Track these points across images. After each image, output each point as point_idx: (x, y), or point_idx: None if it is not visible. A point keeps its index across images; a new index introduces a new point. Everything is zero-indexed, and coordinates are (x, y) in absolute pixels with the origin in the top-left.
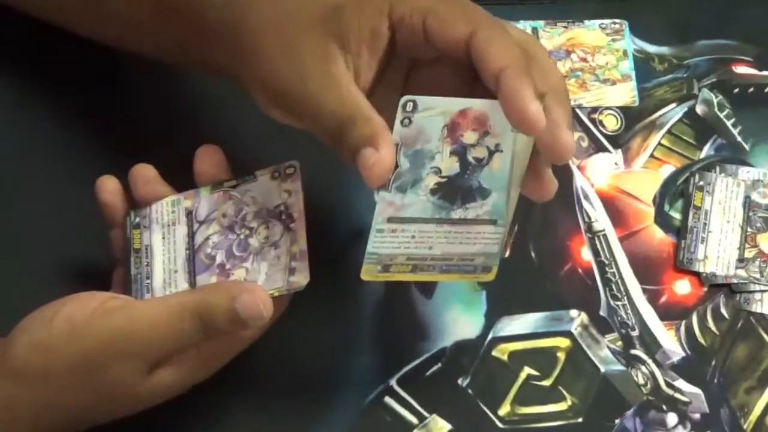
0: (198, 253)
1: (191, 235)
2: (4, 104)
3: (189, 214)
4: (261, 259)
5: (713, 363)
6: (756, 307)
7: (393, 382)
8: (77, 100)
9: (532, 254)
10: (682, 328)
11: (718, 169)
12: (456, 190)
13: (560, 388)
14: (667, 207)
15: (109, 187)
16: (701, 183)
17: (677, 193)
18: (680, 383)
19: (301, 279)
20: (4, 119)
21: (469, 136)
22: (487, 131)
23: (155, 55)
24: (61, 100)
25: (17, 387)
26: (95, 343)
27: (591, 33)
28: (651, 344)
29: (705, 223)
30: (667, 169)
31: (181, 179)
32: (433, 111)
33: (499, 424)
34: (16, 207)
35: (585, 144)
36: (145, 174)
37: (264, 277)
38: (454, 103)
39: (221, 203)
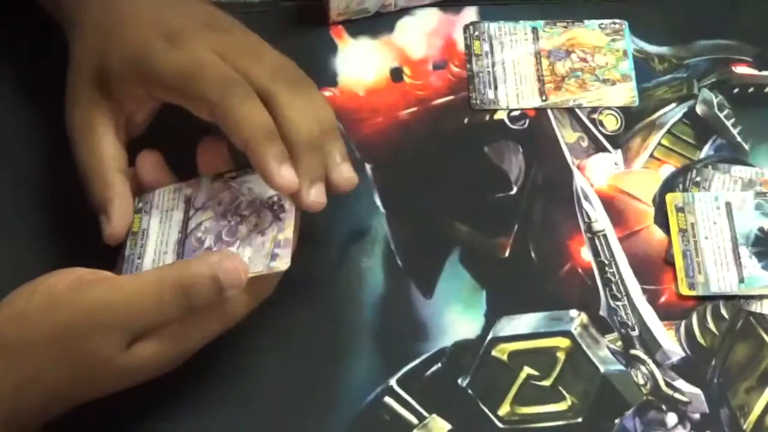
0: (189, 237)
1: (186, 221)
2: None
3: (188, 201)
4: (247, 244)
5: (713, 363)
6: (756, 307)
7: (393, 382)
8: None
9: (532, 254)
10: (682, 328)
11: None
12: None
13: (560, 388)
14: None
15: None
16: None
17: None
18: (680, 383)
19: (281, 264)
20: (3, 107)
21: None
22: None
23: None
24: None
25: None
26: (74, 314)
27: (591, 33)
28: (651, 344)
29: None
30: (667, 169)
31: (184, 171)
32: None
33: (499, 424)
34: (17, 197)
35: (585, 144)
36: (152, 159)
37: (246, 261)
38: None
39: (219, 192)
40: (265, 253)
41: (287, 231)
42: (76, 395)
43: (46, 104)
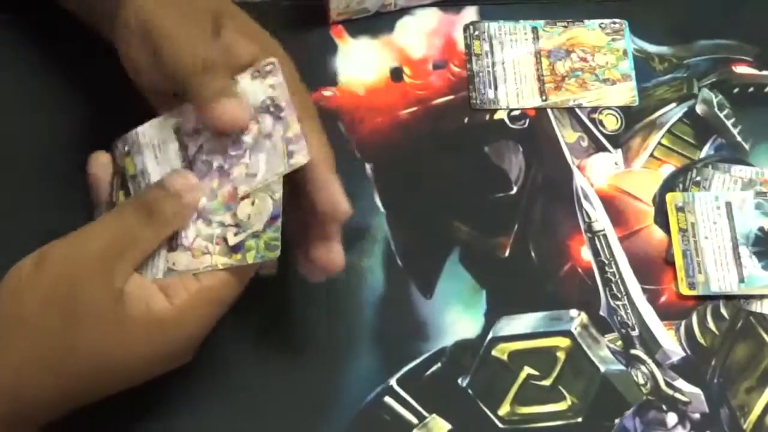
0: (195, 162)
1: (184, 148)
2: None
3: (177, 130)
4: (258, 151)
5: (713, 363)
6: (756, 307)
7: (393, 382)
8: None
9: (532, 254)
10: (682, 328)
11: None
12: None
13: (560, 387)
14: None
15: (101, 160)
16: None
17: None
18: (680, 383)
19: (301, 158)
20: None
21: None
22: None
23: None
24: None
25: None
26: (58, 269)
27: (591, 33)
28: (651, 344)
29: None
30: (667, 169)
31: None
32: None
33: (499, 424)
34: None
35: (585, 144)
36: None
37: (264, 168)
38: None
39: None
40: (279, 154)
41: (293, 126)
42: (82, 375)
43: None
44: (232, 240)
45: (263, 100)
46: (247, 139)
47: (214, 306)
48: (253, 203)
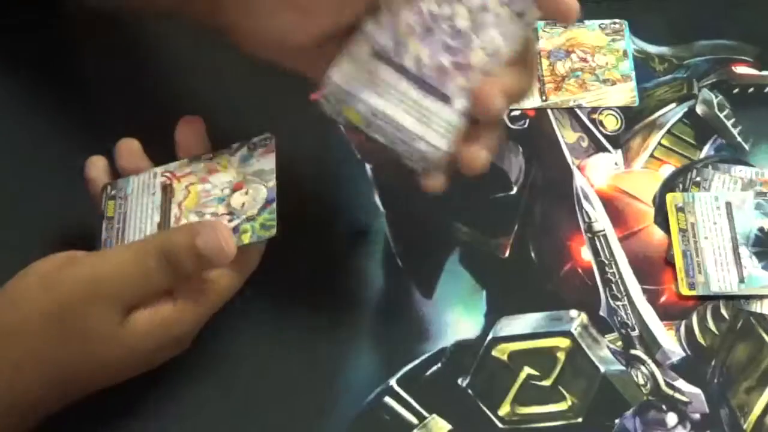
0: (423, 75)
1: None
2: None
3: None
4: (483, 28)
5: (713, 363)
6: (756, 307)
7: (393, 382)
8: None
9: (532, 254)
10: (682, 328)
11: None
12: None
13: (560, 388)
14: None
15: (98, 164)
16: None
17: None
18: (680, 383)
19: (534, 13)
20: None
21: None
22: None
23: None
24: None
25: None
26: (65, 290)
27: (591, 33)
28: (651, 344)
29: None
30: (667, 169)
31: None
32: None
33: (499, 424)
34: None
35: (585, 144)
36: (129, 147)
37: (503, 39)
38: None
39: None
40: (507, 20)
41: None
42: (77, 378)
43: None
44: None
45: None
46: (462, 22)
47: (216, 299)
48: (246, 193)
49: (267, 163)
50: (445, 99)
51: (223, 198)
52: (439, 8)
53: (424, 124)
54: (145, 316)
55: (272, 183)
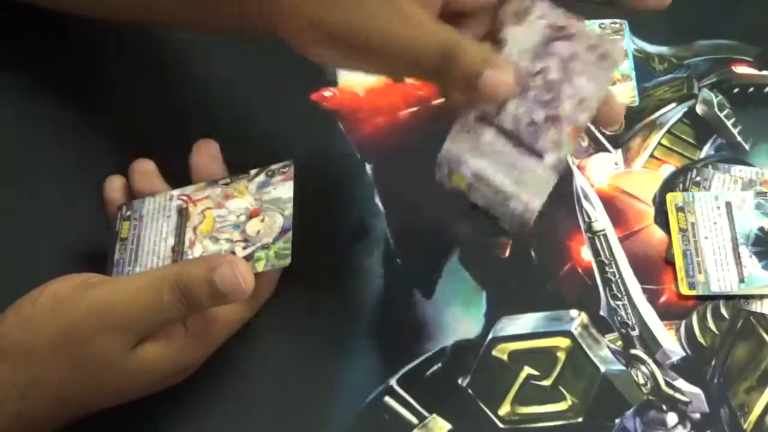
0: (520, 132)
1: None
2: (7, 100)
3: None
4: (571, 78)
5: (713, 363)
6: (756, 307)
7: (393, 382)
8: (78, 98)
9: (532, 254)
10: (682, 328)
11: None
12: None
13: (560, 387)
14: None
15: (115, 185)
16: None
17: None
18: (680, 383)
19: (617, 54)
20: (7, 114)
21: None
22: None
23: (176, 15)
24: (63, 97)
25: (2, 365)
26: (77, 316)
27: None
28: (651, 344)
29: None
30: (667, 169)
31: (177, 173)
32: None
33: (499, 424)
34: (18, 202)
35: (585, 144)
36: (144, 168)
37: (590, 85)
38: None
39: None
40: (593, 64)
41: (587, 33)
42: (82, 402)
43: (48, 100)
44: (241, 253)
45: (541, 35)
46: (555, 74)
47: (227, 330)
48: (262, 220)
49: (285, 191)
50: (538, 155)
51: (238, 224)
52: (533, 64)
53: (520, 184)
54: (156, 347)
55: (289, 212)
